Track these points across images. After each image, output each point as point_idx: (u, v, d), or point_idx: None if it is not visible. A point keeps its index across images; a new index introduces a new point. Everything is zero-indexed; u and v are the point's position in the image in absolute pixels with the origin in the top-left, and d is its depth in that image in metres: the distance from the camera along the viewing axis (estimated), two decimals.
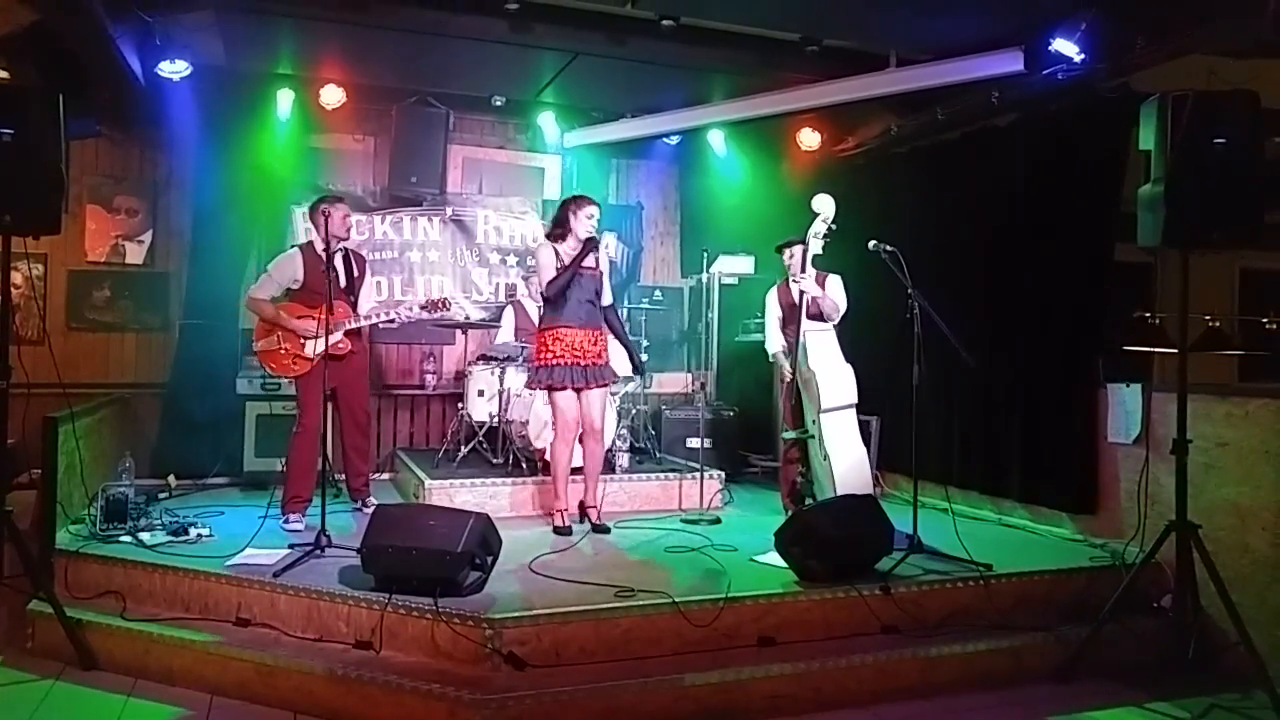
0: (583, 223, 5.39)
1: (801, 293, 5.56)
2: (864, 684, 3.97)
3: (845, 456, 5.41)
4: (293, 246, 5.79)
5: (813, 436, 5.53)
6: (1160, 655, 4.26)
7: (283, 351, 5.45)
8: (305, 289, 5.49)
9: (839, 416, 5.49)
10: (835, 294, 5.78)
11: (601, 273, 5.54)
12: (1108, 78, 5.30)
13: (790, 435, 5.71)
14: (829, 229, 5.45)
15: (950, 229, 6.36)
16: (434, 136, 7.47)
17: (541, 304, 5.58)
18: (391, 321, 5.76)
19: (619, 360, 5.76)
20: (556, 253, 5.42)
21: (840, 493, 5.26)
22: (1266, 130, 4.25)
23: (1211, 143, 4.00)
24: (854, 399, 5.49)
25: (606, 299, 5.60)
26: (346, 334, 5.54)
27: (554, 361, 5.36)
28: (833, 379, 5.43)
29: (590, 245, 5.39)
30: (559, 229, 5.46)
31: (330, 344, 5.38)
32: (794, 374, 5.59)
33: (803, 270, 5.53)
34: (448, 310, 5.89)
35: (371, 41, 6.24)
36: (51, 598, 4.19)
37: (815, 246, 5.48)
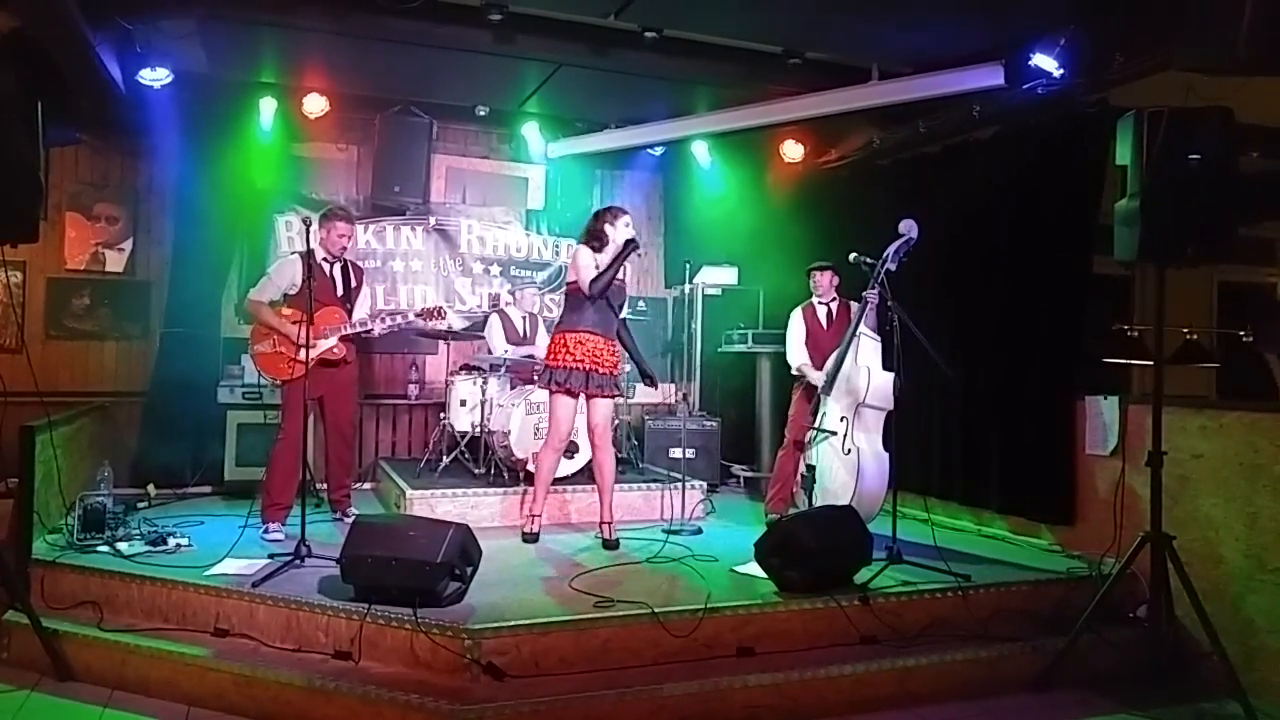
0: (621, 230, 5.43)
1: (865, 303, 5.57)
2: (842, 694, 3.98)
3: (872, 452, 5.47)
4: (293, 253, 5.79)
5: (834, 433, 5.56)
6: (1135, 665, 4.29)
7: (278, 355, 5.46)
8: (302, 294, 5.48)
9: (875, 415, 5.55)
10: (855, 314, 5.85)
11: (625, 285, 5.56)
12: (1086, 93, 5.36)
13: (815, 432, 5.71)
14: (908, 251, 5.46)
15: (931, 241, 6.35)
16: (417, 146, 7.48)
17: (563, 304, 5.60)
18: (384, 329, 5.75)
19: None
20: (597, 264, 5.39)
21: (863, 484, 5.34)
22: (1241, 146, 4.31)
23: (1186, 158, 4.04)
24: (890, 405, 5.50)
25: (623, 312, 5.62)
26: (341, 340, 5.55)
27: (573, 365, 5.32)
28: (880, 379, 5.48)
29: (632, 245, 5.40)
30: (595, 241, 5.44)
31: (325, 349, 5.45)
32: (833, 371, 5.63)
33: (874, 284, 5.52)
34: (443, 319, 5.89)
35: (355, 51, 6.23)
36: (28, 608, 4.17)
37: (892, 262, 5.46)
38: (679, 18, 5.69)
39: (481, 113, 7.54)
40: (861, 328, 5.58)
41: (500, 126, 8.02)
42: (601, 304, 5.38)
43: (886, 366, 5.44)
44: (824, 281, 6.18)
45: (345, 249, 5.69)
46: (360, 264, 6.16)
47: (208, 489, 6.77)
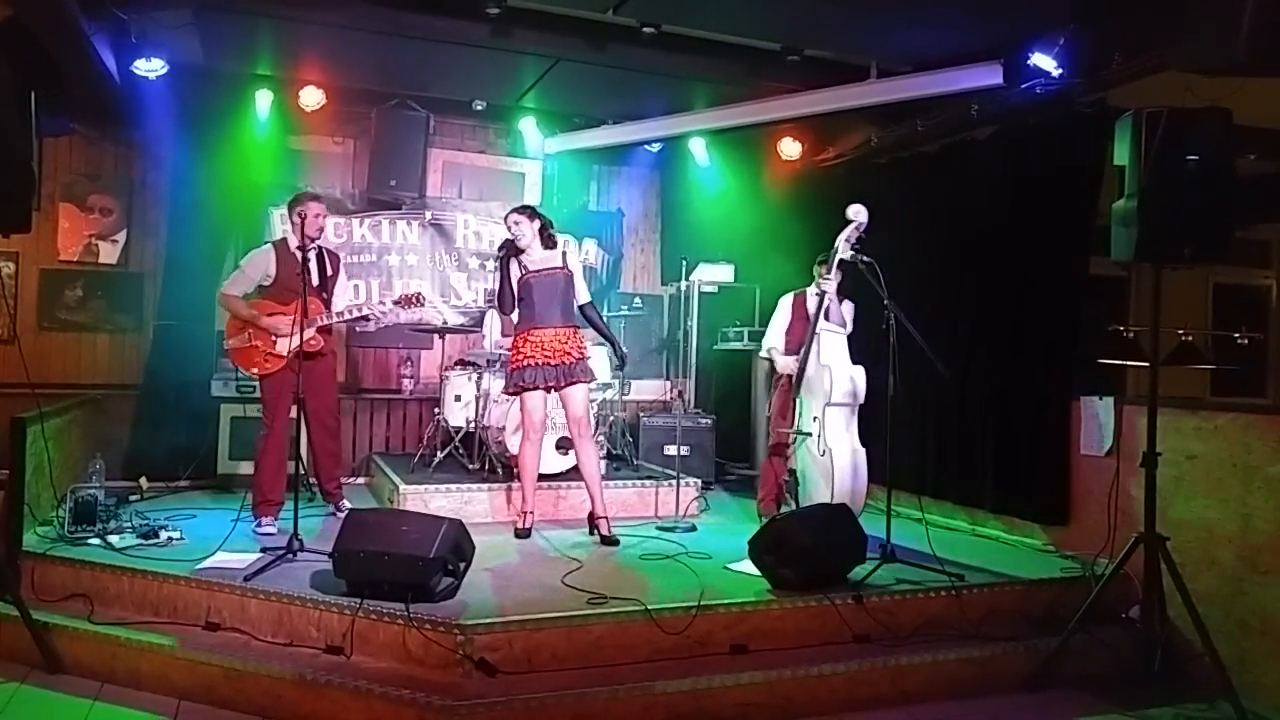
0: (510, 229, 5.51)
1: (822, 294, 5.57)
2: (835, 693, 3.98)
3: (846, 452, 5.45)
4: (266, 242, 5.69)
5: (810, 435, 5.54)
6: (1128, 666, 4.30)
7: (254, 349, 5.39)
8: (277, 285, 5.44)
9: (844, 412, 5.53)
10: (847, 313, 5.81)
11: (570, 272, 5.55)
12: (1085, 92, 5.36)
13: (789, 431, 5.71)
14: (860, 237, 5.46)
15: (928, 240, 6.40)
16: (414, 140, 7.45)
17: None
18: (366, 318, 5.69)
19: (600, 362, 5.75)
20: (519, 264, 5.50)
21: (839, 486, 5.31)
22: (1239, 147, 4.30)
23: (1184, 159, 4.04)
24: (860, 399, 5.51)
25: (583, 297, 5.61)
26: (319, 331, 5.46)
27: (526, 363, 5.39)
28: (844, 374, 5.48)
29: (505, 247, 5.52)
30: (503, 249, 5.57)
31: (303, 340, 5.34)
32: (800, 370, 5.61)
33: (828, 273, 5.54)
34: (422, 306, 5.83)
35: (351, 43, 6.20)
36: (18, 600, 4.14)
37: (844, 251, 5.48)
38: (678, 13, 5.67)
39: (478, 107, 7.51)
40: (821, 323, 5.55)
41: (497, 121, 7.99)
42: (541, 298, 5.42)
43: (854, 360, 5.42)
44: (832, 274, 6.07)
45: (323, 229, 5.55)
46: (336, 252, 5.96)
47: (200, 482, 6.73)
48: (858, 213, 5.43)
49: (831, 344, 5.54)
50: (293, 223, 5.42)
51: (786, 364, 5.84)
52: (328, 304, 5.58)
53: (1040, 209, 5.60)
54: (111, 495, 5.39)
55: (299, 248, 5.36)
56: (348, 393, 7.64)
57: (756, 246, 7.98)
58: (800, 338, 5.82)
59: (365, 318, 5.68)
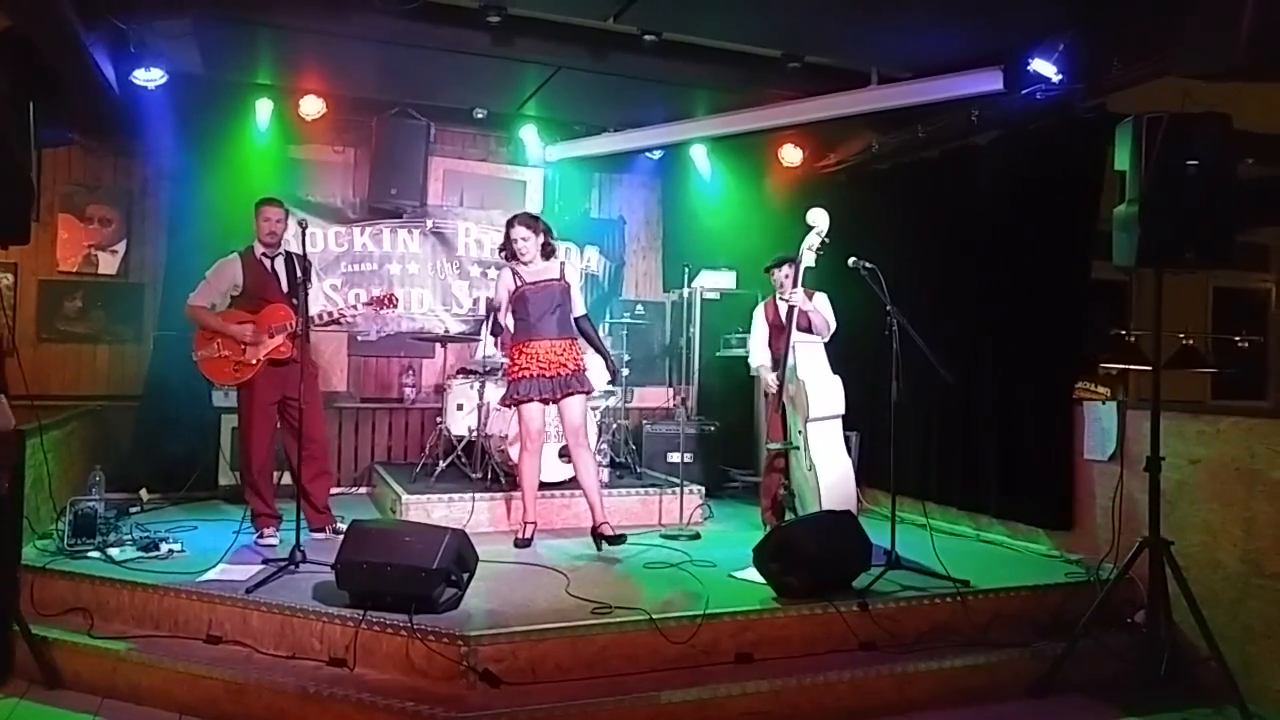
0: (513, 237, 5.50)
1: (791, 308, 5.56)
2: (841, 701, 3.96)
3: (831, 468, 5.43)
4: (231, 251, 5.54)
5: (797, 448, 5.53)
6: (1134, 670, 4.27)
7: (223, 359, 5.30)
8: (245, 294, 5.38)
9: (826, 427, 5.50)
10: (824, 311, 5.80)
11: (567, 284, 5.56)
12: (1085, 98, 5.36)
13: (775, 447, 5.71)
14: (823, 242, 5.47)
15: (930, 246, 6.40)
16: (415, 148, 7.44)
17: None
18: (336, 321, 5.61)
19: (596, 372, 5.75)
20: (515, 274, 5.50)
21: (826, 503, 5.27)
22: (1238, 152, 4.30)
23: (1185, 164, 4.04)
24: (841, 410, 5.51)
25: (578, 309, 5.62)
26: (289, 338, 5.30)
27: (521, 375, 5.39)
28: (821, 389, 5.46)
29: (505, 249, 5.53)
30: (504, 254, 5.58)
31: (271, 349, 5.29)
32: (780, 386, 5.60)
33: (795, 284, 5.54)
34: (394, 307, 5.80)
35: (352, 52, 6.20)
36: (17, 615, 4.11)
37: (809, 259, 5.50)
38: (679, 21, 5.66)
39: (479, 115, 7.51)
40: (796, 336, 5.53)
41: (498, 129, 7.98)
42: (536, 310, 5.43)
43: (848, 363, 5.43)
44: (780, 277, 5.90)
45: (275, 234, 5.41)
46: (307, 256, 5.43)
47: (201, 494, 6.70)
48: (817, 218, 5.42)
49: (808, 356, 5.52)
50: (258, 229, 5.41)
51: (772, 381, 5.78)
52: (296, 311, 5.34)
53: (1042, 214, 5.59)
54: (111, 507, 5.35)
55: (264, 255, 5.37)
56: (349, 400, 7.64)
57: (759, 252, 7.90)
58: (780, 345, 5.79)
59: (336, 321, 5.61)
